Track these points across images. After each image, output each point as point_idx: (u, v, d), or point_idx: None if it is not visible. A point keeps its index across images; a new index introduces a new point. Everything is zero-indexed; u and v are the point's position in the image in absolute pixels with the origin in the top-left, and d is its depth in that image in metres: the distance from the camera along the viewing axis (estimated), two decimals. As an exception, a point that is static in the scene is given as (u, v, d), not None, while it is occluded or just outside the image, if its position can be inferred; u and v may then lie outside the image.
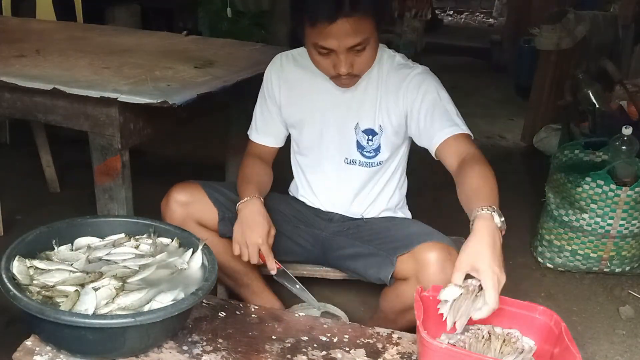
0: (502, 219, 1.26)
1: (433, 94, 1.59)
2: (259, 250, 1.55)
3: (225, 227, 1.73)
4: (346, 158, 1.71)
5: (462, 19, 11.38)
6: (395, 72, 1.63)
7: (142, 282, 1.27)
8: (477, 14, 11.76)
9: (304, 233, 1.78)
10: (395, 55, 1.67)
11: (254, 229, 1.55)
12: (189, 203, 1.69)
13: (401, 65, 1.65)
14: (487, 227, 1.22)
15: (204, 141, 3.67)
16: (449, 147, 1.52)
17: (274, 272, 1.60)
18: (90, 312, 1.15)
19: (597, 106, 3.13)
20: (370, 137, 1.67)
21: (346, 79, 1.56)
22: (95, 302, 1.17)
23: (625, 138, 2.41)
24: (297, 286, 1.64)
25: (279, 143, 1.82)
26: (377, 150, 1.68)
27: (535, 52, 4.26)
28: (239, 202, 1.60)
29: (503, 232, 1.25)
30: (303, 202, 1.84)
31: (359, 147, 1.68)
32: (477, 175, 1.39)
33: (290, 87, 1.72)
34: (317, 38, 1.46)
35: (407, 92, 1.60)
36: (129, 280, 1.27)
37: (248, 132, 1.84)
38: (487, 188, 1.35)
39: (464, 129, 1.55)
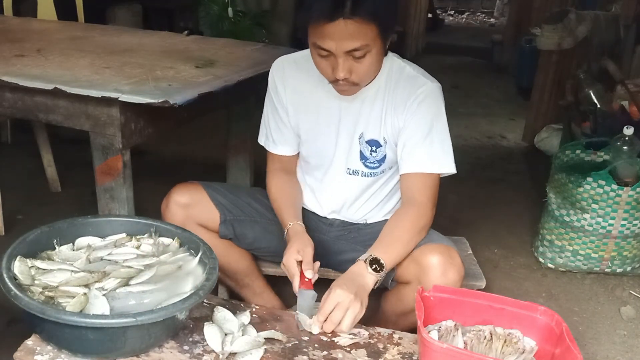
0: (382, 272, 1.45)
1: (426, 123, 1.57)
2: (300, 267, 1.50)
3: (226, 229, 1.73)
4: (348, 168, 1.68)
5: (463, 19, 11.40)
6: (403, 86, 1.58)
7: (147, 282, 1.26)
8: (478, 13, 11.78)
9: None
10: (405, 66, 1.61)
11: (287, 248, 1.53)
12: (189, 205, 1.68)
13: (411, 78, 1.59)
14: (355, 272, 1.45)
15: (205, 141, 3.67)
16: (406, 180, 1.60)
17: (296, 291, 1.47)
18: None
19: (598, 106, 3.13)
20: (374, 148, 1.63)
21: (344, 85, 1.51)
22: (109, 307, 1.17)
23: (627, 138, 2.40)
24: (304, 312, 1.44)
25: (297, 149, 1.77)
26: (382, 161, 1.65)
27: (536, 52, 4.27)
28: (285, 234, 1.61)
29: (378, 278, 1.46)
30: (304, 207, 1.81)
31: (362, 157, 1.65)
32: (398, 221, 1.56)
33: (294, 92, 1.68)
34: (316, 37, 1.44)
35: (406, 110, 1.57)
36: (133, 280, 1.26)
37: (262, 142, 1.78)
38: (393, 236, 1.52)
39: (433, 169, 1.57)
